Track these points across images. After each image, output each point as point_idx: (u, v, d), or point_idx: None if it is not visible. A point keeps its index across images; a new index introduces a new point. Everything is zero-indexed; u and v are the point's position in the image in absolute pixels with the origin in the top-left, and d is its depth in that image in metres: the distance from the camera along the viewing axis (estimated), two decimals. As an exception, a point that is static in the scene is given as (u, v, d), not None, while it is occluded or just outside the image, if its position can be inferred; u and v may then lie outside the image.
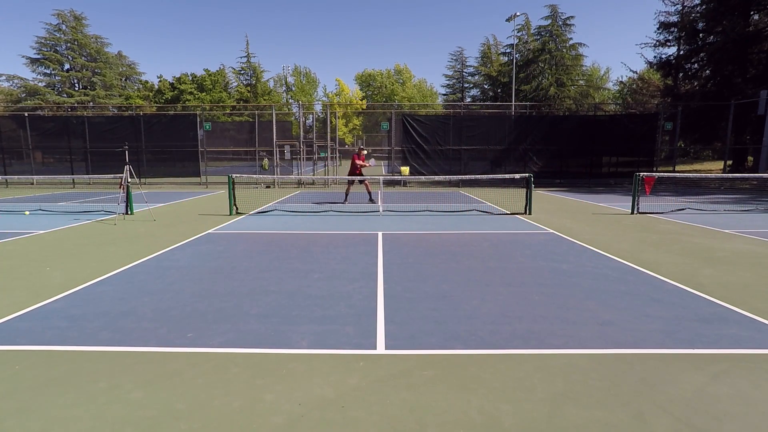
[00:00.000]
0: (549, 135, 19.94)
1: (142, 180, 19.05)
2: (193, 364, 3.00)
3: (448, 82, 60.08)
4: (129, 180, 9.91)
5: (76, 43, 44.85)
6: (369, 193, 13.04)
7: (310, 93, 60.90)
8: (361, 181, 13.00)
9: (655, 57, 29.52)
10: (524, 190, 11.00)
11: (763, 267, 5.49)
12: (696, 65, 27.19)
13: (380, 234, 7.75)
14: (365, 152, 13.04)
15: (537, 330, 3.56)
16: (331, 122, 21.17)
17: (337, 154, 21.91)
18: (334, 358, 3.10)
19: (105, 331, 3.54)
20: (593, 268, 5.48)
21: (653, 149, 20.55)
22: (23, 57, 45.96)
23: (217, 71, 51.38)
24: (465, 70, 58.51)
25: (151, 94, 50.97)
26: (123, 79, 51.83)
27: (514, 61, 33.10)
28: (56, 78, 45.09)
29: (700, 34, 25.72)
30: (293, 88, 58.62)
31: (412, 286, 4.71)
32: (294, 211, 10.86)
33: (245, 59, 53.71)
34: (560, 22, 42.04)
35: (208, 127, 20.60)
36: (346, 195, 13.10)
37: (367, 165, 12.84)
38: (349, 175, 12.78)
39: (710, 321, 3.73)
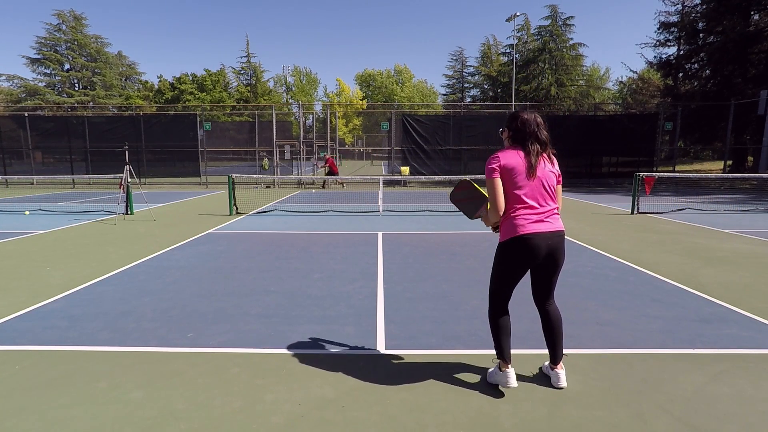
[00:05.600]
0: (549, 135, 19.92)
1: (142, 180, 19.04)
2: (193, 364, 3.00)
3: (448, 82, 60.12)
4: (129, 180, 9.91)
5: (76, 43, 44.83)
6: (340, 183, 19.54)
7: (311, 93, 60.96)
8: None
9: (655, 57, 29.59)
10: (524, 190, 10.99)
11: (763, 267, 5.49)
12: (696, 65, 27.19)
13: (380, 234, 7.75)
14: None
15: (537, 330, 3.54)
16: (331, 122, 21.17)
17: (337, 154, 21.92)
18: (334, 358, 3.10)
19: (105, 331, 3.54)
20: (593, 268, 5.48)
21: (653, 149, 20.56)
22: (23, 57, 46.08)
23: (218, 71, 51.39)
24: (465, 70, 58.53)
25: (151, 94, 50.98)
26: (123, 79, 51.81)
27: (514, 61, 33.11)
28: (56, 78, 45.07)
29: (700, 34, 25.72)
30: (293, 88, 58.63)
31: (412, 286, 4.71)
32: (294, 211, 10.86)
33: (245, 59, 53.80)
34: (560, 22, 42.01)
35: (208, 127, 20.61)
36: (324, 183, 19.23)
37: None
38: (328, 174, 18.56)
39: (710, 321, 3.73)
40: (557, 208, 2.58)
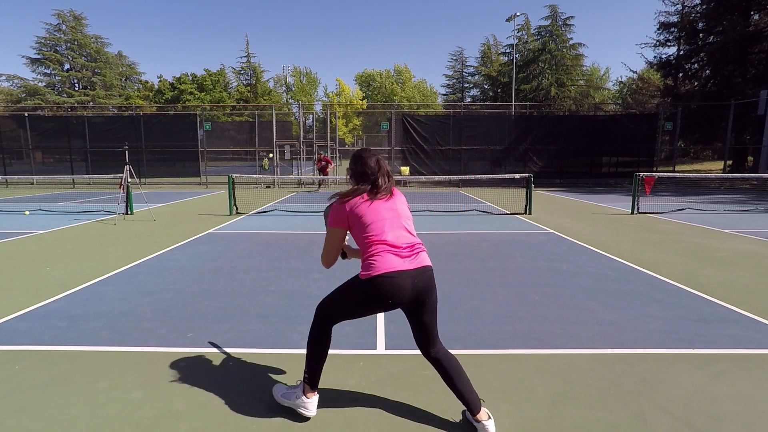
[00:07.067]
0: (549, 135, 19.96)
1: (142, 180, 19.05)
2: (193, 364, 3.00)
3: (448, 82, 60.09)
4: (129, 180, 9.91)
5: (76, 43, 44.84)
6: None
7: (311, 93, 60.90)
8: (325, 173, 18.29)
9: (655, 57, 29.57)
10: (524, 190, 11.01)
11: (763, 267, 5.49)
12: (696, 65, 27.19)
13: (380, 234, 7.73)
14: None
15: (537, 330, 3.56)
16: (331, 122, 21.18)
17: (337, 154, 21.92)
18: (334, 358, 3.09)
19: (105, 331, 3.54)
20: (593, 268, 5.48)
21: (653, 149, 20.56)
22: (23, 57, 46.21)
23: (218, 71, 51.37)
24: (465, 70, 58.50)
25: (151, 94, 50.96)
26: (123, 79, 51.82)
27: (514, 61, 33.13)
28: (56, 78, 45.09)
29: (700, 34, 25.72)
30: (293, 88, 58.62)
31: (412, 286, 4.70)
32: (294, 211, 10.86)
33: (245, 59, 53.78)
34: (560, 22, 42.00)
35: (208, 127, 20.62)
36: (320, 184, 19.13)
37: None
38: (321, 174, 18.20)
39: (710, 321, 3.73)
40: (421, 243, 2.32)
